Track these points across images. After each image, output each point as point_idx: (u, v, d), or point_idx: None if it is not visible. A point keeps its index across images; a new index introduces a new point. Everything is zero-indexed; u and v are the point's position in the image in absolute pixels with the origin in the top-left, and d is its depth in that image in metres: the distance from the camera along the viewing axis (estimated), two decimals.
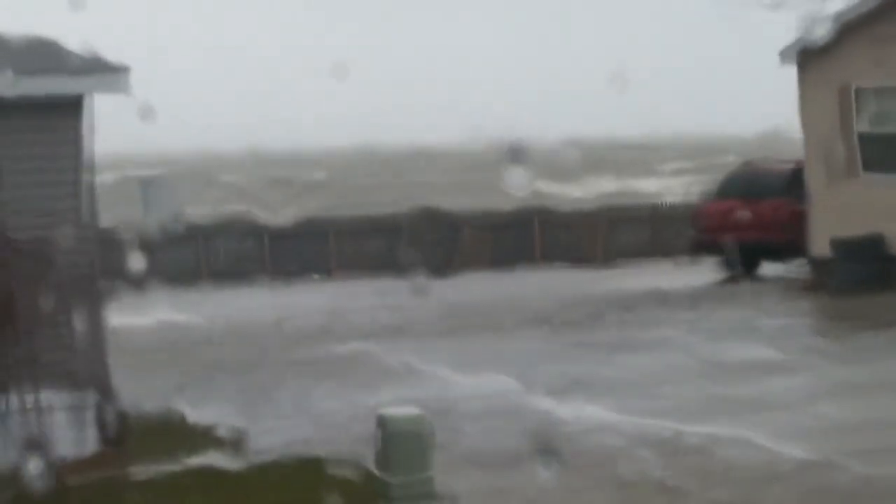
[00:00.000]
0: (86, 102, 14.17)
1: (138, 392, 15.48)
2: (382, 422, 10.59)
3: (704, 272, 28.77)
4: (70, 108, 14.22)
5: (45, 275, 13.51)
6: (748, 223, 28.74)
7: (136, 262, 23.46)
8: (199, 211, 38.12)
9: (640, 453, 12.83)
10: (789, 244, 27.61)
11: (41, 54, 14.33)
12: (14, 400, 13.09)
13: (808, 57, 26.92)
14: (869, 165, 26.53)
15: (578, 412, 14.84)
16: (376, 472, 10.71)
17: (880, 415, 14.24)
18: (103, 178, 15.34)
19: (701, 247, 29.74)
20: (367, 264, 33.13)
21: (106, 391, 13.81)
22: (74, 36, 14.72)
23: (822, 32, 25.93)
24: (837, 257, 25.36)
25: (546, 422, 14.39)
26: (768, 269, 28.74)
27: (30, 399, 13.08)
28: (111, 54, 14.31)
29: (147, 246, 29.95)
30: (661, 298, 25.75)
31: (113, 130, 14.73)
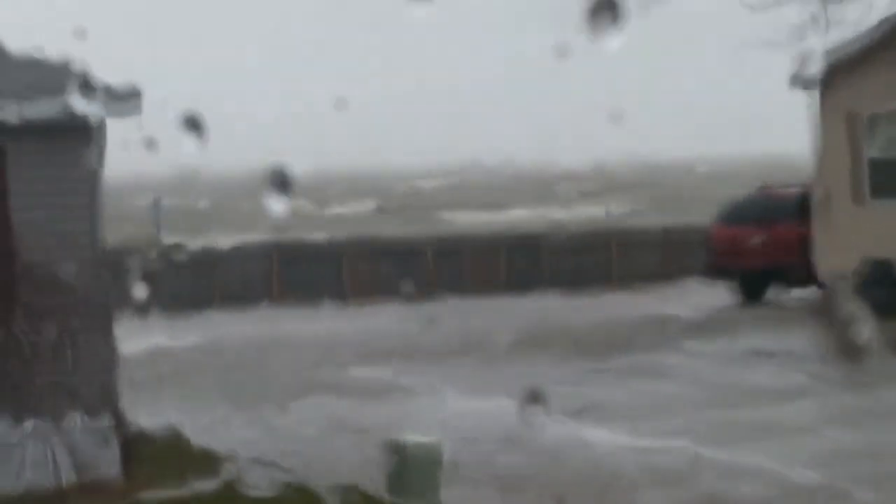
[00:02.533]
0: (97, 127, 14.19)
1: (147, 416, 15.47)
2: (396, 448, 10.57)
3: (717, 296, 28.82)
4: (81, 133, 14.24)
5: (58, 299, 13.52)
6: (758, 248, 28.84)
7: (140, 289, 23.46)
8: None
9: (651, 479, 12.81)
10: (799, 269, 27.65)
11: (52, 77, 14.35)
12: (29, 424, 13.08)
13: (823, 82, 26.96)
14: (879, 191, 26.54)
15: (592, 436, 14.81)
16: (387, 498, 10.70)
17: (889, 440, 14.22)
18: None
19: (714, 271, 29.80)
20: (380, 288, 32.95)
21: (117, 416, 13.79)
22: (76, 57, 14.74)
23: (829, 60, 26.01)
24: (854, 281, 25.39)
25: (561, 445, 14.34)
26: (780, 294, 28.76)
27: (44, 423, 13.08)
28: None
29: (153, 270, 30.09)
30: (671, 323, 25.75)
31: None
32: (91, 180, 14.26)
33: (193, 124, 4.90)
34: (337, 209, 63.26)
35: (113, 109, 14.00)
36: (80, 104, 13.95)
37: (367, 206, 66.01)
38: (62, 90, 14.02)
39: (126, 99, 14.06)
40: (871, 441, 14.23)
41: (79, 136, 14.21)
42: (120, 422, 13.79)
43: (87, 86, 14.09)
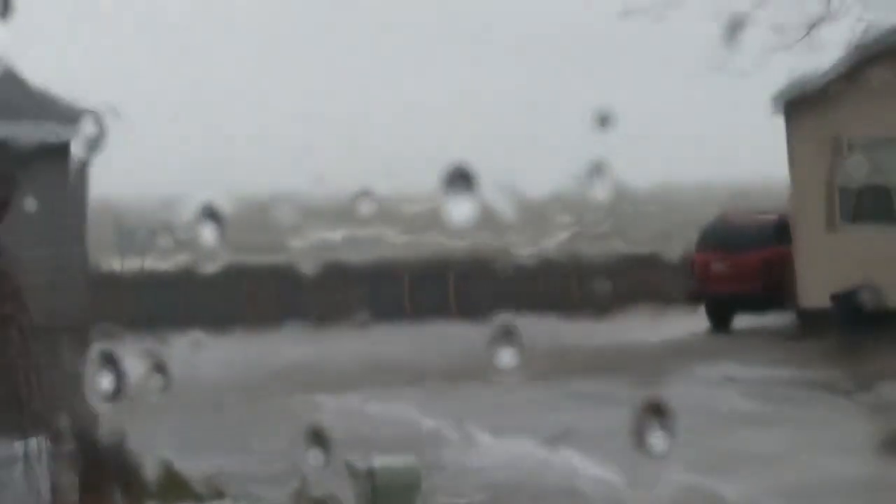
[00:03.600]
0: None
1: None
2: (371, 473, 10.54)
3: (688, 323, 28.92)
4: (58, 155, 14.28)
5: (42, 320, 13.51)
6: (725, 275, 28.83)
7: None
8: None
9: None
10: (767, 296, 27.70)
11: (30, 101, 14.39)
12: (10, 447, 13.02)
13: (796, 107, 27.06)
14: (859, 217, 26.62)
15: (571, 463, 14.79)
16: None
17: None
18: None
19: (693, 297, 29.88)
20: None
21: (94, 440, 13.75)
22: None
23: (804, 86, 26.14)
24: (833, 309, 25.47)
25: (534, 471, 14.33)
26: (746, 321, 28.80)
27: (22, 447, 13.02)
28: None
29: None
30: (644, 350, 25.79)
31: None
32: (80, 203, 14.31)
33: (212, 215, 4.91)
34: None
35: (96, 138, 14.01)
36: (55, 127, 14.00)
37: None
38: (50, 115, 14.08)
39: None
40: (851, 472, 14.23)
41: (57, 157, 14.26)
42: (96, 445, 13.75)
43: (73, 111, 14.16)
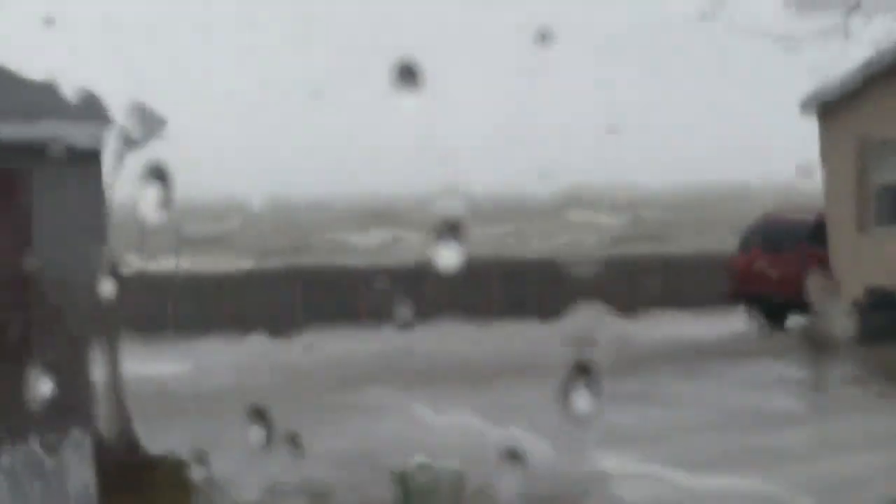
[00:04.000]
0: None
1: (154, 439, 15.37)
2: (403, 477, 10.49)
3: (733, 323, 28.85)
4: (92, 157, 14.29)
5: (63, 318, 13.51)
6: (770, 276, 28.79)
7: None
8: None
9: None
10: (798, 297, 27.55)
11: (61, 99, 14.39)
12: (27, 443, 13.04)
13: (829, 107, 26.95)
14: (888, 218, 26.49)
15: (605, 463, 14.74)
16: None
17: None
18: None
19: (735, 297, 29.81)
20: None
21: (123, 435, 13.76)
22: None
23: (842, 84, 26.03)
24: (867, 308, 25.34)
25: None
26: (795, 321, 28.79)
27: (43, 442, 13.03)
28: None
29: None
30: (686, 349, 25.80)
31: None
32: (102, 202, 14.30)
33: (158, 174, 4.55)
34: None
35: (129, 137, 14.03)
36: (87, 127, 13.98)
37: None
38: (73, 113, 14.07)
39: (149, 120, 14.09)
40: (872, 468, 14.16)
41: (90, 159, 14.27)
42: (125, 441, 13.75)
43: (97, 109, 14.15)
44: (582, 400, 4.45)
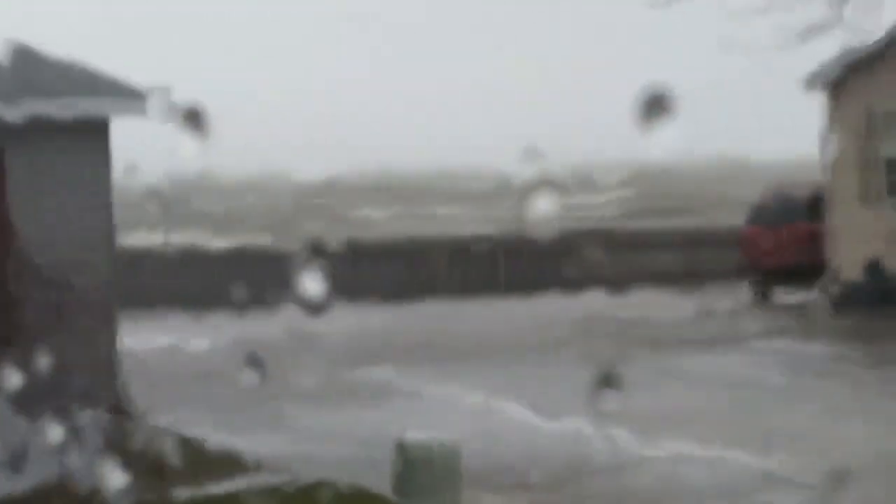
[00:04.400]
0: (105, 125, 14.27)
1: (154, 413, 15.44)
2: (402, 449, 10.54)
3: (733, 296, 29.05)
4: (97, 131, 14.31)
5: (67, 296, 13.56)
6: (770, 248, 29.02)
7: None
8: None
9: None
10: (811, 268, 27.74)
11: (65, 76, 14.41)
12: (35, 421, 13.09)
13: (838, 82, 27.00)
14: (893, 191, 26.55)
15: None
16: (394, 498, 10.67)
17: None
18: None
19: (744, 271, 30.10)
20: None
21: (127, 412, 13.82)
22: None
23: (844, 61, 26.04)
24: (865, 280, 25.50)
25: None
26: (793, 292, 28.92)
27: (53, 420, 13.08)
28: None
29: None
30: (683, 321, 25.88)
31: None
32: (104, 179, 14.32)
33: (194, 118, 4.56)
34: None
35: (120, 108, 14.05)
36: (90, 104, 14.01)
37: None
38: (73, 90, 14.09)
39: (135, 98, 14.10)
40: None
41: (90, 135, 14.28)
42: (132, 418, 13.82)
43: (96, 85, 14.16)
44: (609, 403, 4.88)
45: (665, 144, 3.86)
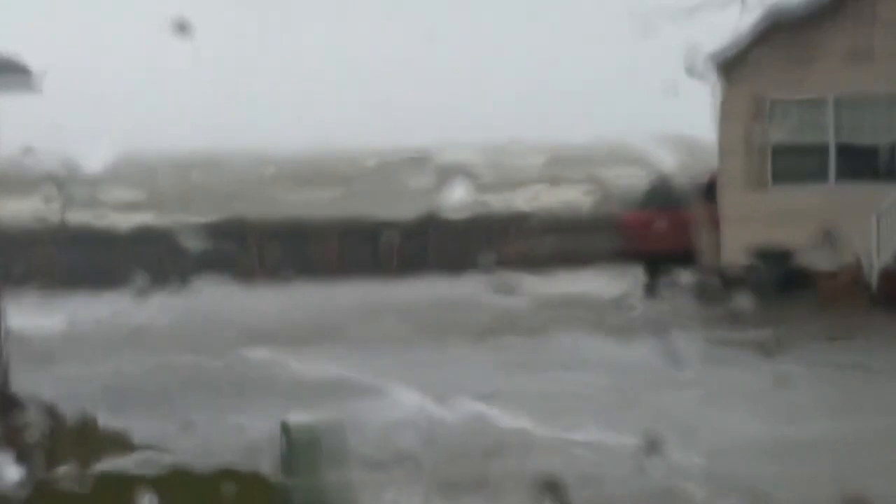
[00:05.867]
0: None
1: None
2: (285, 429, 10.62)
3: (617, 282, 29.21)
4: None
5: None
6: (653, 234, 29.09)
7: None
8: None
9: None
10: (689, 254, 27.98)
11: None
12: None
13: (727, 66, 27.25)
14: (780, 177, 26.92)
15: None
16: (279, 479, 10.74)
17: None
18: None
19: (623, 256, 30.12)
20: None
21: (7, 396, 13.72)
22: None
23: (736, 44, 26.35)
24: (753, 267, 25.81)
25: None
26: (675, 277, 29.12)
27: None
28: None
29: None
30: (568, 306, 26.08)
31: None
32: None
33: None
34: None
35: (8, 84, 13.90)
36: None
37: None
38: None
39: (22, 74, 13.96)
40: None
41: None
42: (11, 401, 13.73)
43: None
44: None
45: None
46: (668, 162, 32.08)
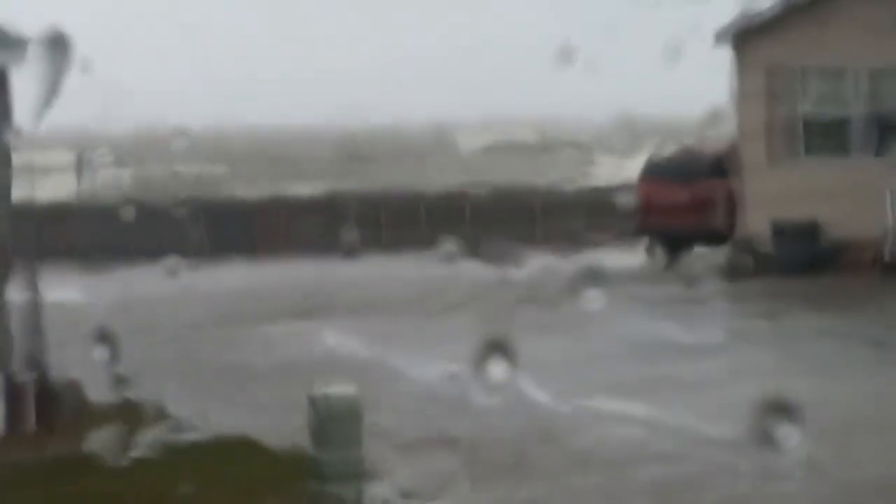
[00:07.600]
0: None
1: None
2: (313, 402, 10.61)
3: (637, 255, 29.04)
4: None
5: None
6: (675, 206, 28.80)
7: None
8: None
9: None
10: (706, 229, 27.72)
11: None
12: None
13: (746, 38, 27.03)
14: (809, 149, 26.64)
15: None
16: (310, 451, 10.74)
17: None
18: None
19: (642, 229, 29.88)
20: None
21: (38, 368, 13.72)
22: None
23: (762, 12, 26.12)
24: (775, 241, 25.60)
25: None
26: (699, 251, 28.91)
27: None
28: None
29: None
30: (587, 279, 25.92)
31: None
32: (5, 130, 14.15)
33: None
34: None
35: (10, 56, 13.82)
36: None
37: None
38: None
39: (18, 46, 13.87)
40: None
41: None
42: (41, 374, 13.73)
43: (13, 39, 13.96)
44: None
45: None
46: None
